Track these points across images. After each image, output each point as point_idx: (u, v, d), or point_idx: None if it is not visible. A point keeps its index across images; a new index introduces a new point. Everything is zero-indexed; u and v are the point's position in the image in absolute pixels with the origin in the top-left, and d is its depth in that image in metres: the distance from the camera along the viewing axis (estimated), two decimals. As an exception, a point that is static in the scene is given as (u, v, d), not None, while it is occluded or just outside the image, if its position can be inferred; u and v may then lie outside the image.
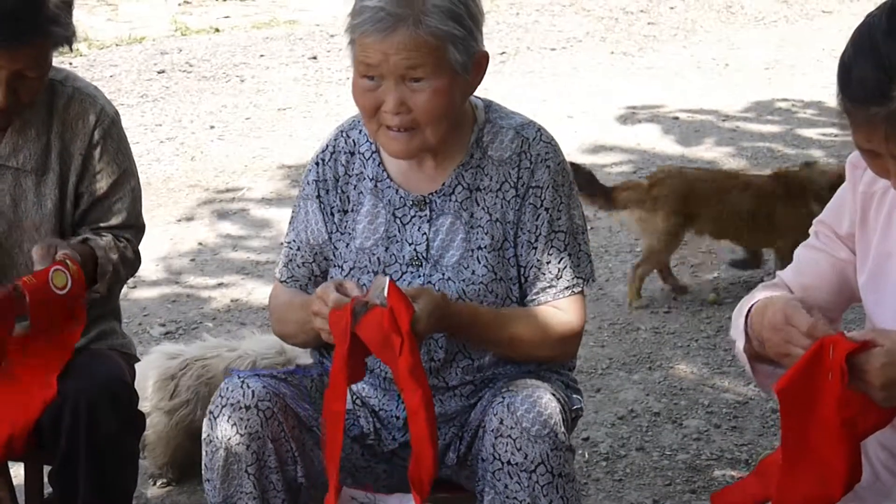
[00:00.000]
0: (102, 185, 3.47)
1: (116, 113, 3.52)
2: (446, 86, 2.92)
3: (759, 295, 2.69)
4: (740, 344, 2.63)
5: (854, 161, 2.62)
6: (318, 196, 3.16)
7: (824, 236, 2.72)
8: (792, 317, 2.45)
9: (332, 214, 3.14)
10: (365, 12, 2.88)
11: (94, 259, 3.39)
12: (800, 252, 2.78)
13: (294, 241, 3.21)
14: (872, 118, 2.30)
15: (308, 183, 3.18)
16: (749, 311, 2.62)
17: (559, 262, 3.07)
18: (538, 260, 3.06)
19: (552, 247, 3.06)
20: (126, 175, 3.51)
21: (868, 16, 2.38)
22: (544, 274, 3.07)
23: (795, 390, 2.39)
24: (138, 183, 3.57)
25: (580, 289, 3.11)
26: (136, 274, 3.74)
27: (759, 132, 8.23)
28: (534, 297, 3.09)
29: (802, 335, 2.42)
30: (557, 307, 3.08)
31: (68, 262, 3.22)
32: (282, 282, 3.24)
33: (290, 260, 3.21)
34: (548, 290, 3.08)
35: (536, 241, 3.06)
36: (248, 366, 4.14)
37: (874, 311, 2.61)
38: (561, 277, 3.07)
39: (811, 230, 2.76)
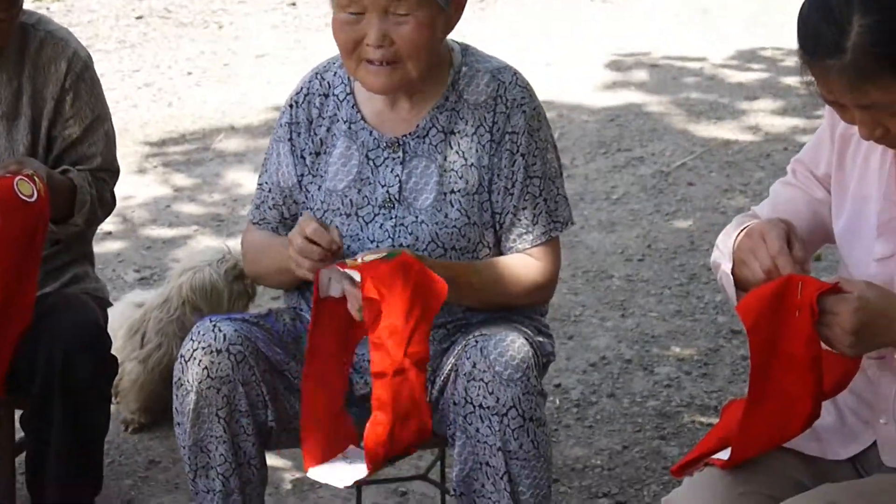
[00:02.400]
0: (76, 129, 3.47)
1: (89, 57, 3.51)
2: (430, 18, 2.92)
3: (744, 221, 2.69)
4: (727, 266, 2.60)
5: (830, 104, 2.64)
6: (290, 139, 3.16)
7: (801, 175, 2.73)
8: (767, 232, 2.46)
9: (304, 157, 3.15)
10: None
11: (73, 189, 3.38)
12: (776, 188, 2.78)
13: (266, 182, 3.22)
14: (830, 70, 2.31)
15: (281, 125, 3.18)
16: (739, 234, 2.62)
17: (535, 208, 3.08)
18: (514, 206, 3.07)
19: (528, 192, 3.07)
20: (100, 119, 3.51)
21: None
22: (520, 220, 3.08)
23: (762, 321, 2.39)
24: (112, 127, 3.56)
25: (556, 233, 3.12)
26: (110, 218, 3.74)
27: (739, 80, 8.23)
28: (511, 244, 3.10)
29: (767, 254, 2.43)
30: (531, 255, 3.10)
31: (35, 177, 3.19)
32: (254, 223, 3.25)
33: (262, 202, 3.22)
34: (524, 236, 3.09)
35: (513, 186, 3.06)
36: (201, 279, 4.13)
37: (848, 254, 2.62)
38: (537, 223, 3.08)
39: (788, 168, 2.77)
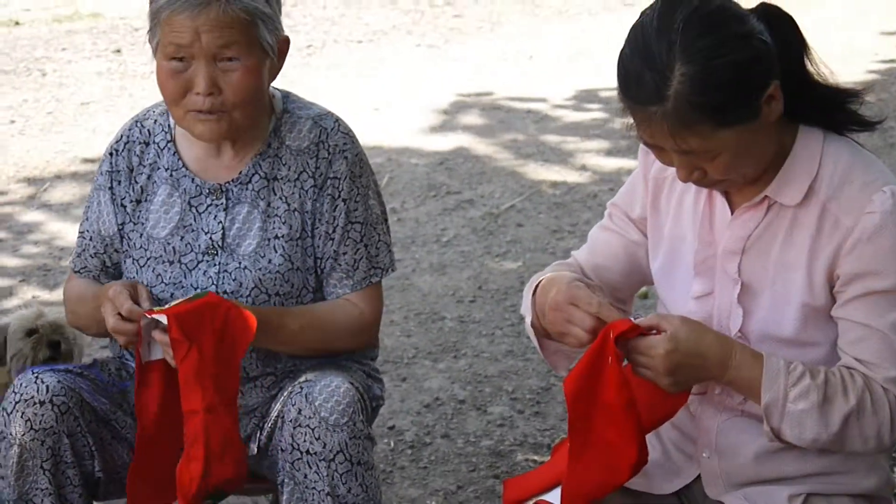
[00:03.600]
0: None
1: None
2: (257, 65, 2.92)
3: (549, 271, 2.74)
4: (529, 319, 2.68)
5: (646, 148, 2.68)
6: (111, 187, 3.12)
7: (617, 218, 2.78)
8: (576, 297, 2.50)
9: (124, 206, 3.11)
10: None
11: None
12: (594, 233, 2.83)
13: (87, 231, 3.18)
14: (651, 116, 2.35)
15: (101, 173, 3.15)
16: (536, 287, 2.67)
17: (355, 254, 3.08)
18: (335, 251, 3.07)
19: (349, 237, 3.07)
20: None
21: (641, 14, 2.44)
22: (340, 265, 3.08)
23: (581, 378, 2.44)
24: None
25: (378, 279, 3.13)
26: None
27: (564, 123, 8.33)
28: (332, 290, 3.10)
29: (585, 315, 2.47)
30: (351, 300, 3.10)
31: None
32: (75, 272, 3.21)
33: (84, 250, 3.18)
34: (344, 281, 3.09)
35: (333, 231, 3.06)
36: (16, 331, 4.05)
37: (667, 294, 2.68)
38: (357, 269, 3.09)
39: (606, 211, 2.82)
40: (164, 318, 2.81)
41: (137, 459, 2.95)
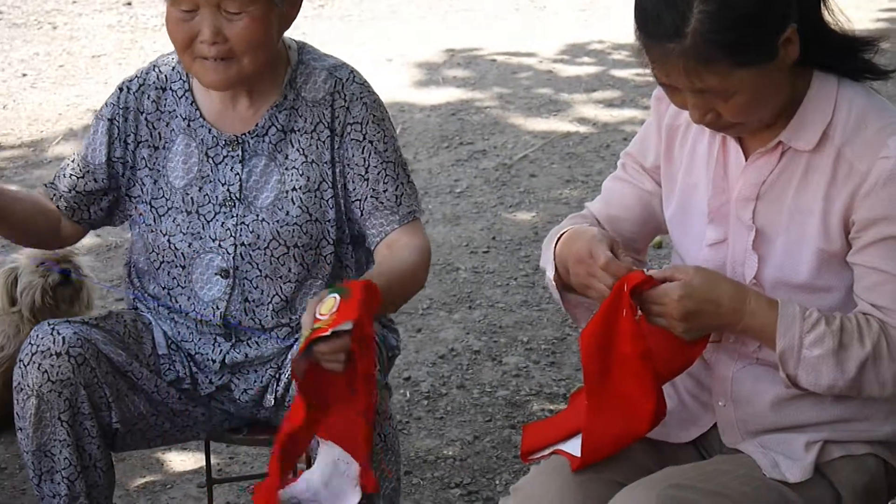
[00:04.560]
0: None
1: None
2: (263, 14, 2.89)
3: (567, 224, 2.74)
4: (550, 273, 2.67)
5: (659, 95, 2.67)
6: (112, 119, 3.11)
7: (631, 168, 2.77)
8: (594, 251, 2.50)
9: (126, 144, 3.10)
10: None
11: None
12: (607, 183, 2.82)
13: (77, 154, 3.18)
14: (669, 53, 2.34)
15: (107, 105, 3.14)
16: (558, 240, 2.67)
17: (396, 189, 3.04)
18: (373, 189, 3.03)
19: (386, 175, 3.03)
20: None
21: None
22: (383, 203, 3.03)
23: (596, 332, 2.44)
24: None
25: (419, 216, 3.08)
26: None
27: (575, 73, 8.32)
28: (379, 229, 3.03)
29: (605, 275, 2.47)
30: (406, 241, 3.00)
31: None
32: (45, 186, 3.21)
33: (62, 170, 3.19)
34: (390, 217, 3.03)
35: (367, 172, 3.03)
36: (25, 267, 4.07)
37: (681, 242, 2.67)
38: (401, 204, 3.04)
39: (619, 162, 2.81)
40: (346, 325, 2.55)
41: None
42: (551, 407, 4.39)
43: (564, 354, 4.75)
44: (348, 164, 3.03)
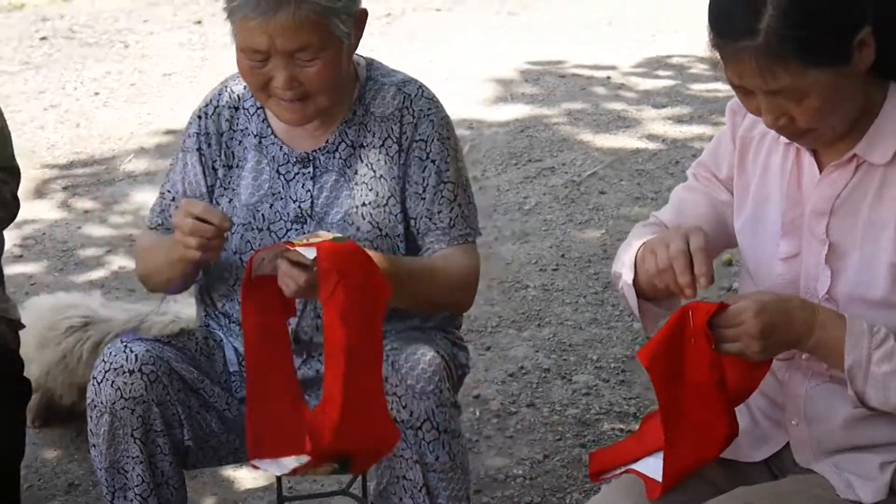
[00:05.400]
0: None
1: None
2: (334, 56, 2.91)
3: (643, 231, 2.71)
4: (628, 277, 2.60)
5: (734, 107, 2.66)
6: (199, 149, 3.14)
7: (703, 178, 2.75)
8: (691, 235, 2.45)
9: (214, 169, 3.13)
10: None
11: None
12: (678, 193, 2.80)
13: (170, 190, 3.19)
14: (742, 52, 2.33)
15: (189, 136, 3.16)
16: (641, 246, 2.62)
17: (450, 212, 3.07)
18: (428, 210, 3.06)
19: (442, 197, 3.06)
20: None
21: None
22: (436, 224, 3.06)
23: (662, 360, 2.40)
24: (5, 124, 3.47)
25: (472, 239, 3.12)
26: (21, 242, 3.68)
27: (645, 88, 8.29)
28: (428, 245, 3.08)
29: (664, 256, 2.43)
30: (453, 254, 3.07)
31: None
32: (151, 228, 3.22)
33: (163, 209, 3.20)
34: (441, 237, 3.07)
35: (424, 192, 3.06)
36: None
37: (751, 256, 2.65)
38: (454, 226, 3.07)
39: (689, 172, 2.79)
40: (310, 252, 2.69)
41: (251, 397, 2.87)
42: (621, 426, 4.37)
43: (634, 373, 4.72)
44: (408, 182, 3.05)
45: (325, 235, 2.78)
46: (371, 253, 2.82)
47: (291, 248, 2.75)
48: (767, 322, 2.36)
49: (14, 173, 3.48)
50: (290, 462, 2.81)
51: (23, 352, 3.48)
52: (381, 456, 2.86)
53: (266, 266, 2.84)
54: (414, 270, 3.01)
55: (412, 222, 3.07)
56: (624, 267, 2.62)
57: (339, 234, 2.82)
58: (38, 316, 4.19)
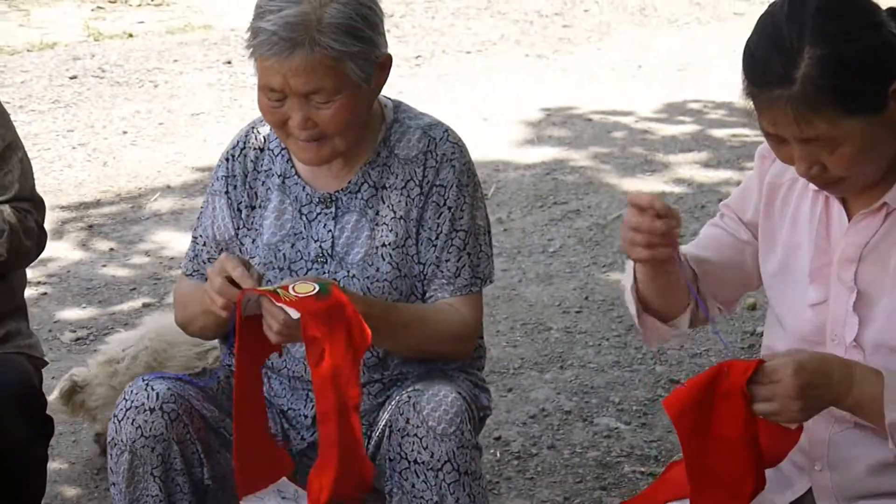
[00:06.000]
0: None
1: None
2: (350, 99, 2.92)
3: None
4: (628, 283, 2.66)
5: (763, 152, 2.67)
6: (227, 192, 3.15)
7: (729, 218, 2.78)
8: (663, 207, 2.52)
9: (240, 210, 3.14)
10: (260, 34, 2.87)
11: None
12: (704, 229, 2.83)
13: (201, 236, 3.21)
14: (777, 101, 2.33)
15: (217, 179, 3.18)
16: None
17: (458, 261, 3.08)
18: (437, 257, 3.07)
19: (452, 245, 3.08)
20: (11, 148, 3.44)
21: (770, 5, 2.43)
22: (442, 272, 3.08)
23: (690, 413, 2.39)
24: (26, 155, 3.48)
25: (478, 288, 3.13)
26: (46, 279, 3.69)
27: (671, 133, 8.29)
28: (431, 293, 3.10)
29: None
30: (453, 304, 3.09)
31: None
32: (187, 275, 3.23)
33: (197, 255, 3.21)
34: (445, 287, 3.09)
35: (437, 238, 3.07)
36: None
37: (780, 303, 2.65)
38: (459, 276, 3.09)
39: (718, 211, 2.81)
40: (294, 313, 2.72)
41: (238, 431, 2.90)
42: (642, 469, 4.35)
43: (656, 416, 4.71)
44: (423, 226, 3.06)
45: (304, 288, 2.77)
46: (361, 300, 2.88)
47: (277, 304, 2.75)
48: (806, 381, 2.34)
49: (38, 204, 3.51)
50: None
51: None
52: (367, 490, 2.91)
53: (252, 306, 2.85)
54: (407, 320, 3.04)
55: (421, 267, 3.08)
56: (627, 278, 2.70)
57: (322, 282, 2.81)
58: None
